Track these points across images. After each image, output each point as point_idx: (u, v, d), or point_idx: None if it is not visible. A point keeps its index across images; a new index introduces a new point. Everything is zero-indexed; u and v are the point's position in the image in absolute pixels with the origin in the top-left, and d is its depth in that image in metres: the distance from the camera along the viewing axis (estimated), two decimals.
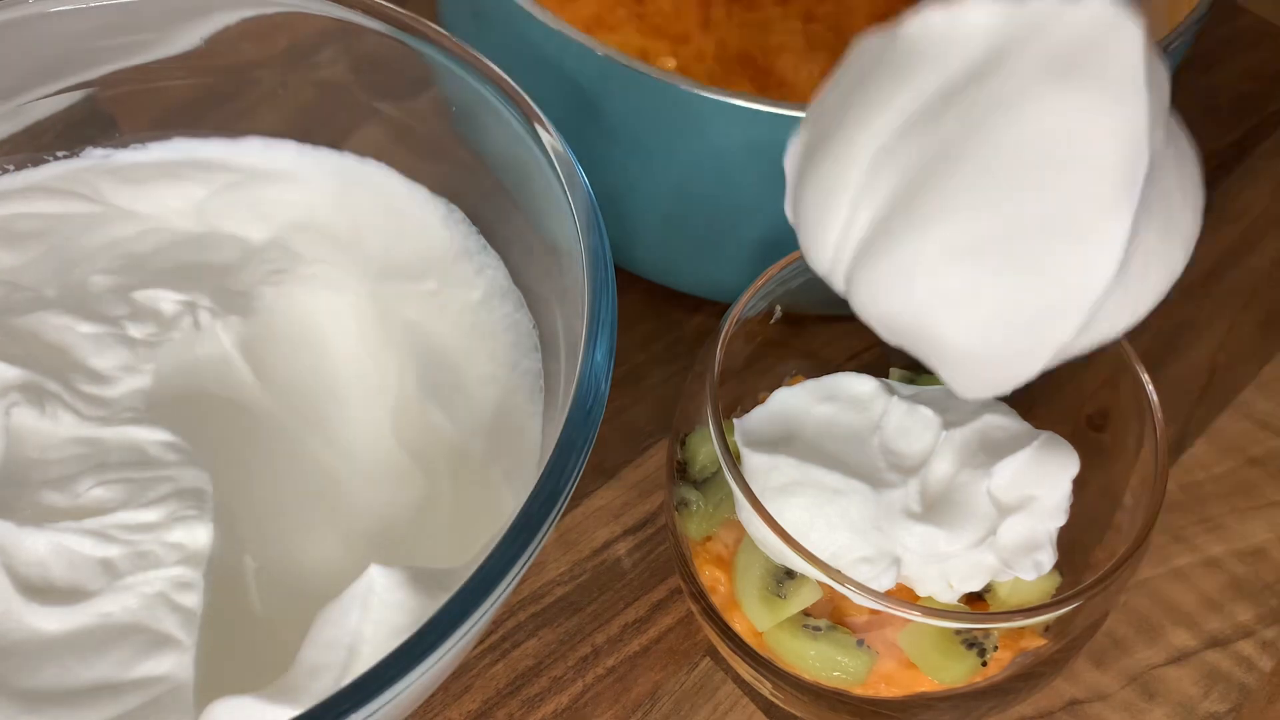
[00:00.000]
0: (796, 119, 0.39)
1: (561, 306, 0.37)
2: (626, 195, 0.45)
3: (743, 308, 0.36)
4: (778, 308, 0.38)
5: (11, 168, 0.44)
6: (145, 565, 0.34)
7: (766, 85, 0.51)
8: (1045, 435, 0.35)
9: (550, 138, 0.37)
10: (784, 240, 0.43)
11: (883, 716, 0.35)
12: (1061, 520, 0.34)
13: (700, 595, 0.36)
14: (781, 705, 0.37)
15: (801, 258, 0.37)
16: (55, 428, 0.36)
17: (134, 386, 0.38)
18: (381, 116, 0.44)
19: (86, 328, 0.39)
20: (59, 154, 0.44)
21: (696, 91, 0.39)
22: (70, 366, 0.38)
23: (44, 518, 0.34)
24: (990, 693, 0.34)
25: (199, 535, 0.34)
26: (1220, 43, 0.64)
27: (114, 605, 0.33)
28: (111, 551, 0.34)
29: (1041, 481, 0.34)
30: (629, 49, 0.47)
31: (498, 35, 0.44)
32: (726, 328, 0.36)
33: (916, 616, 0.31)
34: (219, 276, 0.42)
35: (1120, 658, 0.42)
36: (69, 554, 0.34)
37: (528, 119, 0.38)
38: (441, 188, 0.44)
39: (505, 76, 0.39)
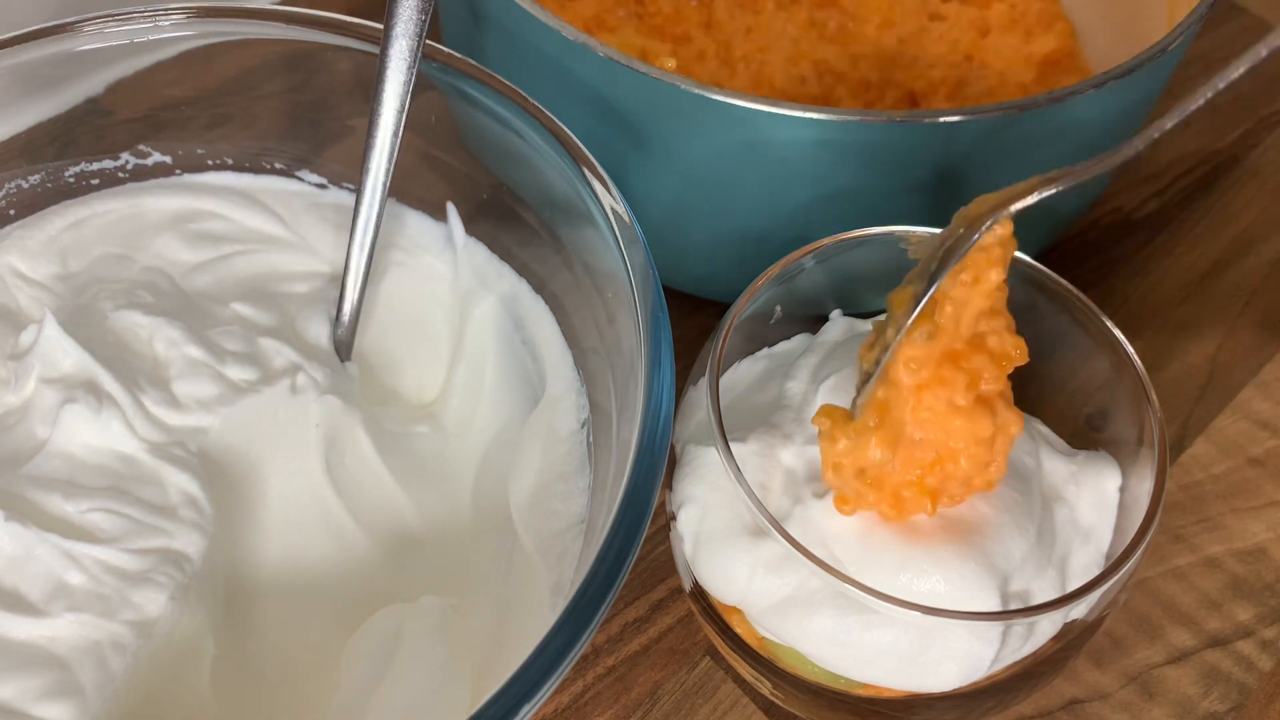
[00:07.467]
0: (795, 119, 0.39)
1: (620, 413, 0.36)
2: (626, 195, 0.44)
3: (742, 308, 0.36)
4: (777, 308, 0.38)
5: (230, 161, 0.44)
6: (98, 610, 0.32)
7: (766, 85, 0.51)
8: None
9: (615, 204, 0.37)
10: (784, 240, 0.43)
11: (883, 716, 0.35)
12: None
13: (700, 595, 0.36)
14: (781, 705, 0.37)
15: (801, 258, 0.37)
16: (101, 434, 0.35)
17: (197, 424, 0.36)
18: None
19: (193, 351, 0.37)
20: (278, 166, 0.44)
21: (696, 91, 0.39)
22: (152, 381, 0.36)
23: (37, 519, 0.33)
24: (990, 692, 0.34)
25: (155, 604, 0.32)
26: (1220, 43, 0.64)
27: (49, 632, 0.31)
28: (75, 580, 0.32)
29: None
30: (629, 49, 0.48)
31: (497, 36, 0.44)
32: (726, 328, 0.36)
33: (916, 615, 0.31)
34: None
35: (1120, 657, 0.42)
36: (37, 564, 0.32)
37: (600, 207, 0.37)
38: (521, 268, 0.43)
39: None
